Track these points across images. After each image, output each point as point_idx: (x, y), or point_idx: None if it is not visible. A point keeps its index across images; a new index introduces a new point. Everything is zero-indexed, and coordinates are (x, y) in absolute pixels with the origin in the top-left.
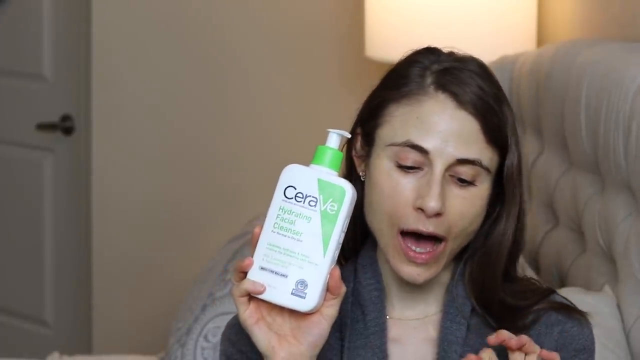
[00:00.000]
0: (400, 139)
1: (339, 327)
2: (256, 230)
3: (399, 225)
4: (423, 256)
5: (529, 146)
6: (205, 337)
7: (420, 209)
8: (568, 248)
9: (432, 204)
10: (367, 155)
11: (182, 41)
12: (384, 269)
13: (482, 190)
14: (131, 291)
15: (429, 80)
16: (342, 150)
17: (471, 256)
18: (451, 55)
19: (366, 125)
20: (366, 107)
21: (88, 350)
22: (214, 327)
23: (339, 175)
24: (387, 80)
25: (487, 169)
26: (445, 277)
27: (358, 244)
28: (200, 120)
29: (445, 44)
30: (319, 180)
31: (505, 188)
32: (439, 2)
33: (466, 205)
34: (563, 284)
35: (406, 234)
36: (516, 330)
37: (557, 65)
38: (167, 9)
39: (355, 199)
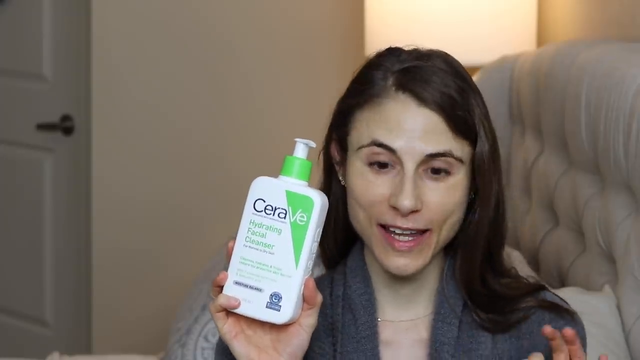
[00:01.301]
0: (367, 140)
1: (331, 332)
2: (230, 244)
3: (377, 220)
4: (408, 244)
5: (529, 146)
6: (205, 337)
7: (395, 208)
8: (568, 248)
9: (406, 202)
10: (343, 161)
11: (182, 41)
12: (373, 272)
13: (457, 180)
14: (131, 291)
15: (390, 81)
16: (316, 159)
17: (456, 251)
18: (414, 52)
19: (337, 133)
20: (335, 115)
21: (88, 350)
22: (214, 327)
23: (312, 184)
24: (351, 86)
25: (459, 160)
26: (434, 276)
27: (342, 250)
28: (200, 120)
29: (445, 44)
30: (287, 192)
31: (477, 177)
32: (439, 2)
33: (443, 197)
34: (563, 284)
35: (387, 228)
36: (507, 327)
37: (557, 65)
38: (167, 9)
39: (327, 207)
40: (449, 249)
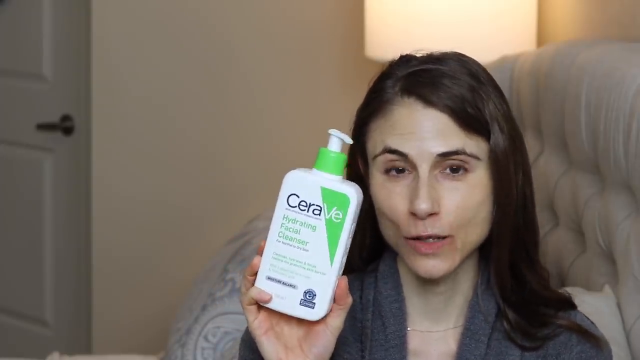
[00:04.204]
0: (380, 148)
1: (360, 338)
2: (262, 243)
3: (402, 233)
4: (433, 246)
5: (529, 146)
6: (205, 337)
7: (414, 214)
8: (568, 248)
9: (423, 205)
10: (367, 174)
11: (182, 41)
12: (404, 280)
13: (477, 178)
14: (131, 291)
15: (397, 87)
16: (345, 152)
17: (488, 260)
18: (425, 57)
19: (358, 145)
20: (354, 128)
21: (88, 350)
22: (214, 327)
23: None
24: (366, 97)
25: (474, 157)
26: (467, 287)
27: (366, 256)
28: (200, 120)
29: (445, 44)
30: (322, 188)
31: (493, 172)
32: (439, 2)
33: (463, 196)
34: (563, 284)
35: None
36: (535, 339)
37: (557, 65)
38: (166, 9)
39: (361, 202)
40: (482, 260)
